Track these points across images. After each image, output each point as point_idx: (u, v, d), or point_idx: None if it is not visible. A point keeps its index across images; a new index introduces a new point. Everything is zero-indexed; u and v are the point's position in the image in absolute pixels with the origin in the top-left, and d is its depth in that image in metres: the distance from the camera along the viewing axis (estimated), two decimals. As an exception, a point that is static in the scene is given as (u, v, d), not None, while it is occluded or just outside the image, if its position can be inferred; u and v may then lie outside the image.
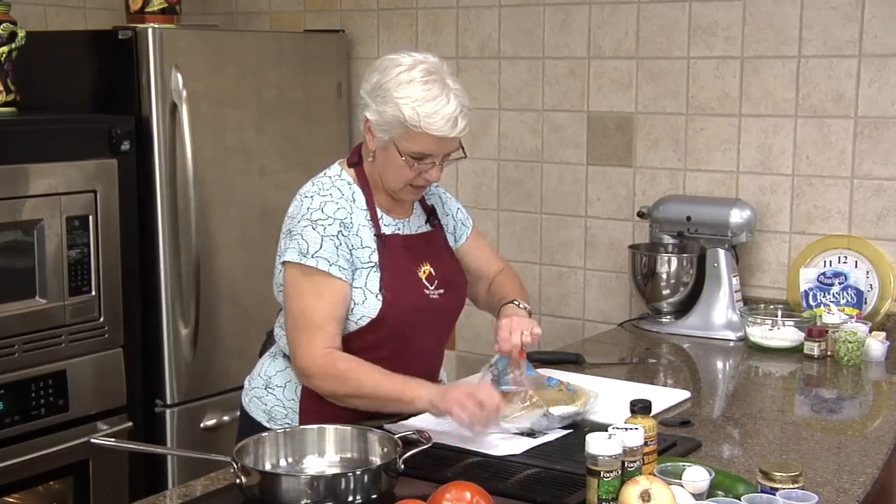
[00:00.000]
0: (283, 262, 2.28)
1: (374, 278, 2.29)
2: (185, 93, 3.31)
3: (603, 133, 3.63)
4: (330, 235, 2.25)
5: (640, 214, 3.43)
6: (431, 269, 2.38)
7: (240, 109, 3.55)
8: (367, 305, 2.27)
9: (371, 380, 2.20)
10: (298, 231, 2.26)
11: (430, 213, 2.48)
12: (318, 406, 2.31)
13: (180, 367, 3.39)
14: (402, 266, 2.33)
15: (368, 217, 2.32)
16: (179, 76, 3.31)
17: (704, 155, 3.45)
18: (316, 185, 2.34)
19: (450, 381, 2.52)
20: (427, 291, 2.35)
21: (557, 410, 2.23)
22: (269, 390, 2.40)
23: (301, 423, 2.33)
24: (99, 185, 3.14)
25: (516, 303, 2.46)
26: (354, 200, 2.32)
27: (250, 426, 2.38)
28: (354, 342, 2.28)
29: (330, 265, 2.24)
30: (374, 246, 2.30)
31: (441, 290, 2.38)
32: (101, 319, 3.17)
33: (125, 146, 3.22)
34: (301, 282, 2.25)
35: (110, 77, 3.35)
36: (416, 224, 2.43)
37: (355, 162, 2.38)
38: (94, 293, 3.13)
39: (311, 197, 2.30)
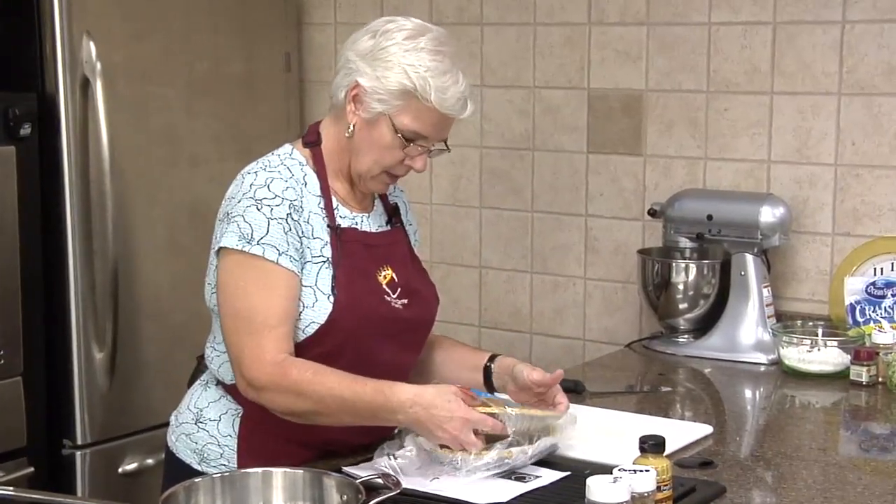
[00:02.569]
0: (220, 250, 2.28)
1: (326, 276, 2.29)
2: (98, 65, 3.30)
3: (606, 115, 3.64)
4: (278, 218, 2.25)
5: (652, 213, 3.44)
6: (393, 275, 2.40)
7: (166, 86, 3.54)
8: (317, 309, 2.28)
9: (333, 388, 2.20)
10: (239, 212, 2.26)
11: (392, 213, 2.50)
12: (261, 443, 2.31)
13: (93, 399, 3.38)
14: (360, 265, 2.35)
15: (322, 205, 2.33)
16: (92, 45, 3.30)
17: (729, 141, 3.46)
18: (261, 162, 2.36)
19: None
20: (388, 299, 2.36)
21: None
22: (200, 425, 2.39)
23: (240, 464, 2.32)
24: (-7, 178, 3.14)
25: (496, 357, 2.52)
26: (306, 184, 2.33)
27: (178, 470, 2.37)
28: (300, 355, 2.27)
29: (279, 254, 2.24)
30: (327, 238, 2.31)
31: (405, 300, 2.39)
32: (-4, 341, 3.16)
33: (25, 130, 3.20)
34: (244, 274, 2.25)
35: (7, 46, 3.34)
36: (375, 222, 2.44)
37: (311, 141, 2.40)
38: (-13, 309, 3.13)
39: (254, 173, 2.32)
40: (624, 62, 3.59)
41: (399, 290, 2.39)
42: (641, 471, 1.90)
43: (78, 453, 3.37)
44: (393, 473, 2.11)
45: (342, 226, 2.35)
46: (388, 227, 2.47)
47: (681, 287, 3.33)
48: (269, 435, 2.31)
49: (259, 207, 2.25)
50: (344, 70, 2.34)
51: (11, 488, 2.53)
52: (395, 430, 2.38)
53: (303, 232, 2.29)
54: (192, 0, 3.66)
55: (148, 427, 3.45)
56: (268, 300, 2.23)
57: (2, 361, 3.17)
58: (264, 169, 2.33)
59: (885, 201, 3.27)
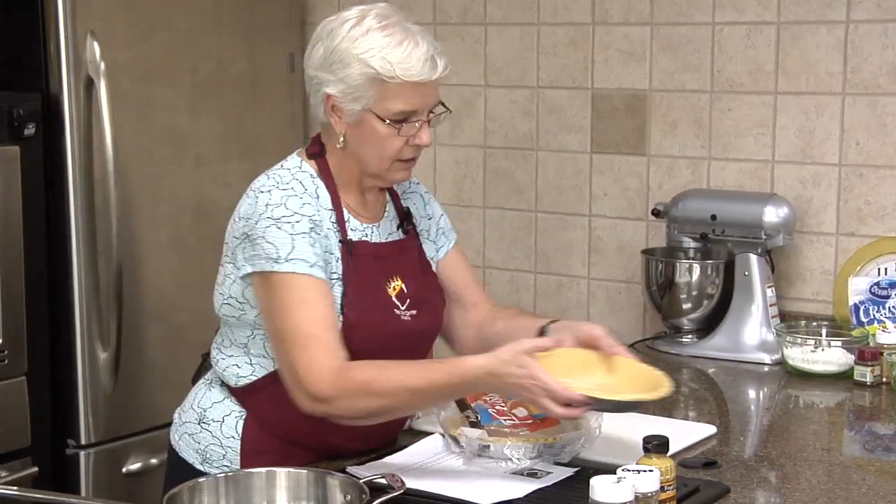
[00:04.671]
0: (249, 275, 2.26)
1: (337, 293, 2.28)
2: (102, 65, 3.30)
3: (610, 115, 3.64)
4: (300, 233, 2.24)
5: (656, 213, 3.44)
6: (403, 286, 2.38)
7: (170, 86, 3.54)
8: None
9: (402, 380, 2.19)
10: (260, 234, 2.24)
11: (405, 218, 2.48)
12: (263, 446, 2.31)
13: (97, 399, 3.38)
14: (370, 281, 2.34)
15: (333, 218, 2.32)
16: (96, 45, 3.30)
17: (733, 141, 3.46)
18: (272, 178, 2.32)
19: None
20: (398, 312, 2.35)
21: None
22: (203, 425, 2.39)
23: (242, 466, 2.32)
24: (-2, 178, 3.14)
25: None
26: (318, 197, 2.31)
27: (180, 470, 2.37)
28: None
29: (310, 266, 2.22)
30: (339, 254, 2.30)
31: (414, 311, 2.37)
32: (0, 342, 3.16)
33: (29, 130, 3.21)
34: (280, 294, 2.23)
35: (12, 46, 3.34)
36: (386, 230, 2.43)
37: (316, 152, 2.38)
38: (-9, 309, 3.13)
39: (268, 192, 2.29)
40: (628, 62, 3.59)
41: (408, 301, 2.37)
42: (645, 471, 1.90)
43: (82, 453, 3.37)
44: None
45: (353, 239, 2.33)
46: (399, 234, 2.45)
47: (684, 287, 3.33)
48: (271, 438, 2.32)
49: (279, 226, 2.23)
50: (312, 89, 2.32)
51: (15, 488, 2.54)
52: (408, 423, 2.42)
53: (325, 246, 2.28)
54: (196, 0, 3.66)
55: (152, 427, 3.45)
56: (308, 313, 2.21)
57: (6, 361, 3.17)
58: (277, 186, 2.29)
59: (889, 201, 3.27)
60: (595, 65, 3.65)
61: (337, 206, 2.33)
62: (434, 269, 2.53)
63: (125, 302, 3.39)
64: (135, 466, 3.45)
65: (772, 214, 3.24)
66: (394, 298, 2.36)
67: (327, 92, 2.28)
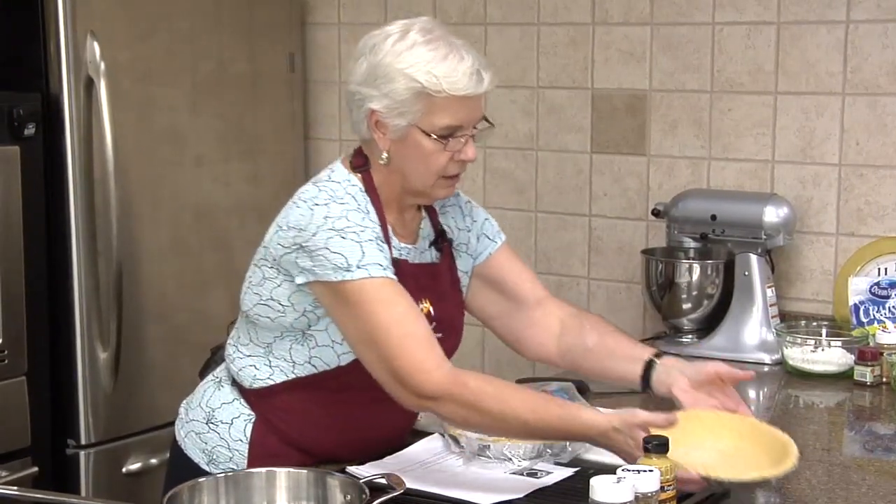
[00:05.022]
0: (308, 283, 2.21)
1: None
2: (102, 65, 3.30)
3: (610, 115, 3.64)
4: (368, 240, 2.19)
5: (656, 213, 3.44)
6: (431, 308, 2.34)
7: (170, 86, 3.54)
8: None
9: (517, 408, 2.14)
10: (321, 245, 2.18)
11: (439, 235, 2.44)
12: (272, 448, 2.30)
13: (97, 399, 3.38)
14: None
15: (381, 236, 2.26)
16: (96, 45, 3.30)
17: (733, 141, 3.46)
18: (324, 190, 2.26)
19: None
20: None
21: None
22: (211, 426, 2.37)
23: (252, 467, 2.30)
24: (-2, 178, 3.14)
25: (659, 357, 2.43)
26: (368, 212, 2.26)
27: (184, 468, 2.36)
28: (331, 381, 2.26)
29: (383, 269, 2.18)
30: None
31: (440, 334, 2.29)
32: (0, 342, 3.16)
33: (29, 130, 3.20)
34: (358, 300, 2.17)
35: (12, 46, 3.34)
36: (420, 251, 2.39)
37: (360, 165, 2.32)
38: (-9, 309, 3.13)
39: (325, 205, 2.23)
40: (628, 62, 3.59)
41: (434, 323, 2.30)
42: (645, 471, 1.90)
43: (82, 453, 3.37)
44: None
45: (396, 257, 2.29)
46: (431, 255, 2.40)
47: (685, 287, 3.33)
48: (280, 443, 2.31)
49: (344, 236, 2.18)
50: (354, 105, 2.28)
51: (15, 488, 2.54)
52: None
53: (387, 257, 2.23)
54: (196, 0, 3.66)
55: (152, 427, 3.45)
56: (394, 313, 2.17)
57: (6, 361, 3.17)
58: (333, 200, 2.24)
59: (889, 201, 3.27)
60: (595, 65, 3.65)
61: (383, 223, 2.28)
62: (465, 283, 2.48)
63: (125, 302, 3.39)
64: (135, 466, 3.45)
65: (772, 214, 3.24)
66: None
67: (371, 107, 2.24)
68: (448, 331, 2.36)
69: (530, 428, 2.16)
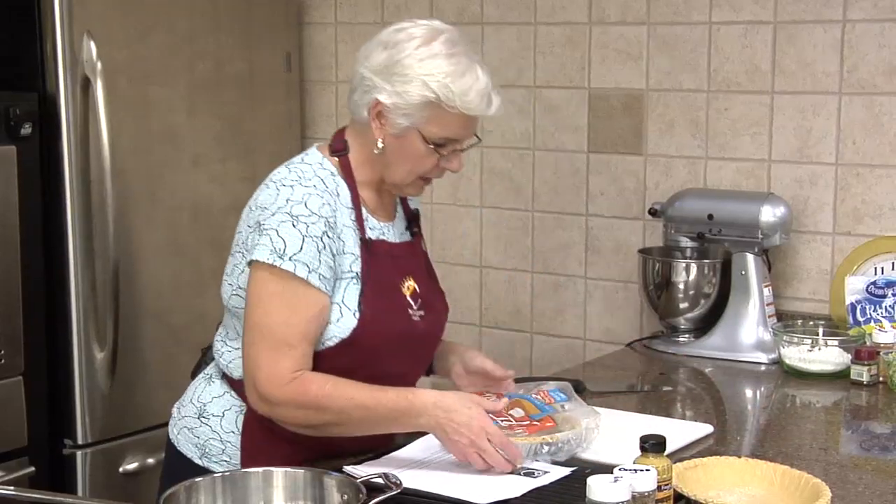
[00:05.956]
0: (251, 262, 2.26)
1: (354, 291, 2.29)
2: (99, 65, 3.30)
3: (607, 114, 3.64)
4: (313, 236, 2.24)
5: (653, 212, 3.44)
6: (416, 286, 2.40)
7: (167, 86, 3.54)
8: (341, 324, 2.27)
9: (354, 397, 2.22)
10: (273, 226, 2.24)
11: (413, 219, 2.50)
12: (263, 440, 2.31)
13: (94, 399, 3.38)
14: (387, 280, 2.35)
15: (353, 217, 2.32)
16: (93, 45, 3.30)
17: (729, 140, 3.46)
18: (294, 171, 2.32)
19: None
20: (410, 312, 2.37)
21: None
22: (202, 420, 2.40)
23: (243, 460, 2.33)
24: (-6, 178, 3.14)
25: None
26: (338, 195, 2.32)
27: (178, 465, 2.38)
28: (317, 366, 2.28)
29: (309, 272, 2.23)
30: (357, 252, 2.31)
31: (422, 312, 2.39)
32: (-3, 341, 3.16)
33: (26, 130, 3.21)
34: (271, 289, 2.24)
35: (8, 46, 3.34)
36: (398, 230, 2.44)
37: (339, 149, 2.37)
38: (-12, 309, 3.13)
39: (290, 187, 2.28)
40: (625, 62, 3.59)
41: (420, 300, 2.39)
42: (642, 470, 1.90)
43: (79, 453, 3.37)
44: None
45: (371, 237, 2.34)
46: (409, 237, 2.47)
47: (681, 286, 3.33)
48: (271, 433, 2.31)
49: (294, 224, 2.23)
50: (361, 88, 2.31)
51: (12, 488, 2.53)
52: None
53: (336, 249, 2.27)
54: (192, 0, 3.66)
55: (148, 427, 3.45)
56: (290, 318, 2.22)
57: (3, 361, 3.17)
58: (299, 182, 2.29)
59: (885, 200, 3.27)
60: (592, 64, 3.65)
61: (356, 205, 2.33)
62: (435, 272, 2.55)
63: (122, 301, 3.39)
64: (132, 466, 3.45)
65: (768, 214, 3.24)
66: (408, 298, 2.38)
67: (379, 98, 2.28)
68: (429, 310, 2.42)
69: (371, 412, 2.22)
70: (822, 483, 2.14)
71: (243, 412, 2.35)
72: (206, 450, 2.38)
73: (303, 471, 2.06)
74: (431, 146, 2.29)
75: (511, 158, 3.81)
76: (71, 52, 3.28)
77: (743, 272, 3.25)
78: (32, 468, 3.22)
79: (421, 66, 2.26)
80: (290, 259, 2.22)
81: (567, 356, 3.70)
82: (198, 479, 2.01)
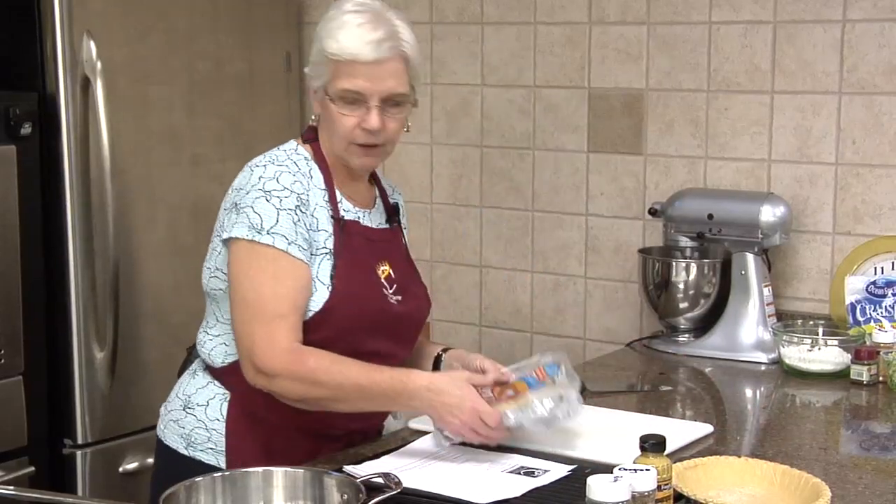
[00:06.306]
0: (229, 239, 2.29)
1: (327, 267, 2.32)
2: (99, 65, 3.30)
3: (607, 114, 3.64)
4: (287, 209, 2.28)
5: (653, 212, 3.44)
6: (391, 271, 2.44)
7: (167, 85, 3.54)
8: (316, 298, 2.30)
9: (351, 376, 2.24)
10: (248, 203, 2.28)
11: (392, 213, 2.53)
12: (248, 426, 2.34)
13: (94, 399, 3.38)
14: (361, 258, 2.38)
15: (326, 198, 2.36)
16: (92, 44, 3.30)
17: (729, 140, 3.46)
18: (268, 156, 2.38)
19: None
20: (385, 293, 2.40)
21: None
22: (188, 411, 2.42)
23: (228, 447, 2.35)
24: (-6, 178, 3.14)
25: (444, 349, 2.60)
26: (312, 177, 2.36)
27: (165, 457, 2.43)
28: None
29: (289, 243, 2.26)
30: (331, 230, 2.34)
31: (399, 297, 2.42)
32: (-3, 341, 3.16)
33: (26, 129, 3.21)
34: (254, 263, 2.27)
35: (7, 46, 3.34)
36: (376, 218, 2.48)
37: (311, 138, 2.43)
38: (-12, 309, 3.13)
39: (263, 167, 2.34)
40: (624, 61, 3.59)
41: (395, 285, 2.42)
42: (642, 470, 1.90)
43: (78, 453, 3.37)
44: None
45: (346, 218, 2.38)
46: (388, 226, 2.50)
47: (681, 286, 3.33)
48: (256, 419, 2.35)
49: (268, 199, 2.28)
50: None
51: (12, 487, 2.54)
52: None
53: (309, 224, 2.31)
54: (192, 0, 3.65)
55: (148, 426, 3.42)
56: (277, 289, 2.25)
57: (3, 361, 3.17)
58: (272, 163, 2.35)
59: (885, 200, 3.27)
60: (592, 64, 3.65)
61: (330, 187, 2.37)
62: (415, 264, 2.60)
63: (122, 301, 3.39)
64: (131, 466, 3.45)
65: (768, 214, 3.24)
66: (382, 280, 2.41)
67: (305, 70, 2.39)
68: (406, 295, 2.45)
69: (366, 391, 2.25)
70: (822, 483, 2.13)
71: (227, 399, 2.38)
72: (192, 439, 2.40)
73: (303, 470, 2.06)
74: (339, 101, 2.32)
75: (511, 158, 3.81)
76: (71, 51, 3.28)
77: (743, 272, 3.25)
78: (32, 468, 3.23)
79: (322, 27, 2.36)
80: (268, 233, 2.26)
81: (567, 355, 3.69)
82: (198, 479, 2.01)
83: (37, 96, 3.26)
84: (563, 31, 3.68)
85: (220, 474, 2.08)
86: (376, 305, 2.37)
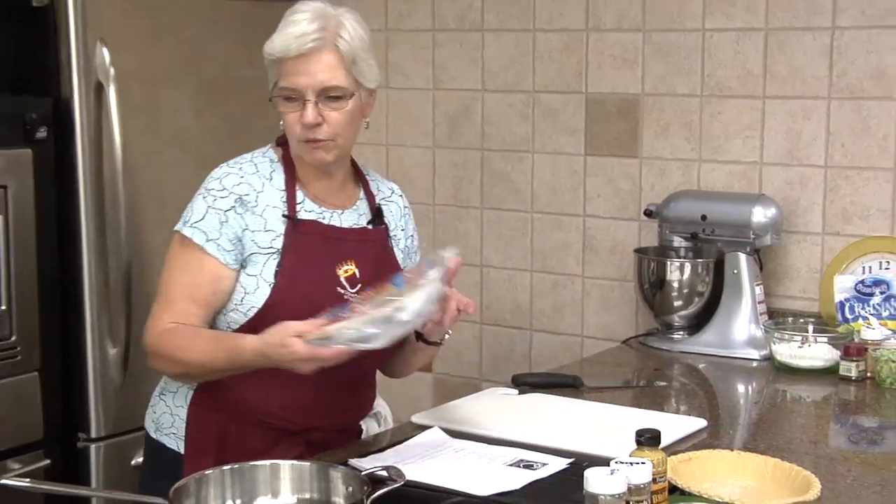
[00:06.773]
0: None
1: (272, 265, 2.34)
2: (112, 70, 3.31)
3: (604, 118, 3.65)
4: (218, 209, 2.33)
5: (648, 213, 3.45)
6: (356, 271, 2.40)
7: (176, 90, 3.55)
8: (257, 294, 2.32)
9: (196, 356, 2.29)
10: (194, 197, 2.38)
11: (376, 215, 2.50)
12: (206, 416, 2.37)
13: (108, 394, 3.39)
14: (313, 256, 2.36)
15: (284, 198, 2.37)
16: (105, 51, 3.31)
17: (722, 143, 3.47)
18: (236, 159, 2.44)
19: (425, 409, 2.54)
20: (342, 291, 2.35)
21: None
22: (161, 397, 2.48)
23: (187, 435, 2.38)
24: (10, 180, 3.13)
25: None
26: (271, 179, 2.39)
27: (147, 442, 2.50)
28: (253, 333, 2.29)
29: (207, 240, 2.32)
30: (282, 230, 2.35)
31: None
32: (14, 338, 3.16)
33: (41, 133, 3.21)
34: (173, 251, 2.39)
35: (24, 52, 3.35)
36: (350, 219, 2.45)
37: (283, 142, 2.45)
38: (4, 307, 3.13)
39: (220, 167, 2.41)
40: (620, 67, 3.60)
41: (359, 286, 2.36)
42: (638, 463, 1.91)
43: (92, 446, 3.38)
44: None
45: (302, 217, 2.38)
46: (367, 226, 2.47)
47: (676, 285, 3.34)
48: (214, 409, 2.38)
49: (205, 197, 2.36)
50: None
51: (28, 480, 2.55)
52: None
53: (247, 226, 2.33)
54: (201, 8, 3.66)
55: (160, 421, 3.46)
56: (180, 278, 2.34)
57: (20, 357, 3.18)
58: (231, 164, 2.42)
59: (873, 202, 3.28)
60: (589, 70, 3.66)
61: (290, 187, 2.39)
62: (406, 265, 2.53)
63: (134, 299, 3.39)
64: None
65: (760, 215, 3.25)
66: (342, 279, 2.38)
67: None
68: None
69: (213, 367, 2.29)
70: (812, 475, 2.15)
71: (192, 389, 2.41)
72: (160, 423, 2.45)
73: (309, 464, 2.07)
74: (280, 102, 2.34)
75: (511, 161, 3.82)
76: (85, 58, 3.28)
77: (735, 271, 3.26)
78: (48, 461, 3.23)
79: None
80: (190, 226, 2.34)
81: (565, 353, 3.71)
82: (207, 472, 2.02)
83: (52, 101, 3.26)
84: (561, 37, 3.69)
85: (228, 467, 2.09)
86: (328, 303, 2.23)
